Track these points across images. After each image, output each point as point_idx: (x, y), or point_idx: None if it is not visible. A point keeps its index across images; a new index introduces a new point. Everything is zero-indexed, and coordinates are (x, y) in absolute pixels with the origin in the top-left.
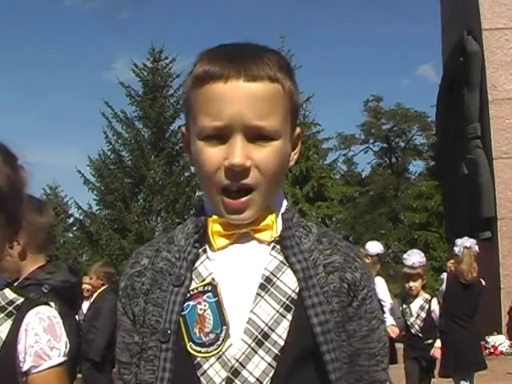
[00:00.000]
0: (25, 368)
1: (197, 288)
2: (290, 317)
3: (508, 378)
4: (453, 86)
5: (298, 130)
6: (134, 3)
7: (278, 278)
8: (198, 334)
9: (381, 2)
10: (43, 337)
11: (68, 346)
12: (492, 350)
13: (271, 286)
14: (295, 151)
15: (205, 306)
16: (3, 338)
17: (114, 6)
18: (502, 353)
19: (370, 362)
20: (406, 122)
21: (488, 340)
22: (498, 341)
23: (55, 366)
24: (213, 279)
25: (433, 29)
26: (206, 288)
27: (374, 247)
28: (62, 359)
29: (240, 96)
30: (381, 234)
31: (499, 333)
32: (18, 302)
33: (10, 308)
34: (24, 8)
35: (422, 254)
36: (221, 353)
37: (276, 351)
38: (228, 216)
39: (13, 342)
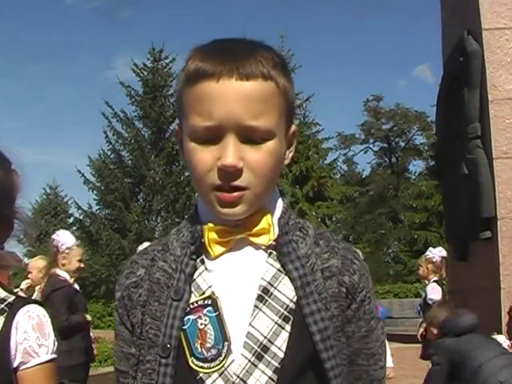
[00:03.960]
0: (15, 364)
1: (196, 302)
2: (288, 328)
3: None
4: (453, 85)
5: (293, 127)
6: (135, 3)
7: (275, 288)
8: (199, 349)
9: (380, 3)
10: (32, 334)
11: (56, 344)
12: None
13: (269, 297)
14: (290, 149)
15: (205, 320)
16: None
17: (115, 5)
18: None
19: (368, 361)
20: (406, 121)
21: None
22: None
23: (43, 363)
24: (213, 293)
25: (430, 29)
26: (206, 302)
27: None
28: (50, 356)
29: (232, 95)
30: (381, 233)
31: (499, 333)
32: (10, 300)
33: (2, 306)
34: (24, 7)
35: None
36: (223, 369)
37: (276, 364)
38: (221, 210)
39: (6, 339)
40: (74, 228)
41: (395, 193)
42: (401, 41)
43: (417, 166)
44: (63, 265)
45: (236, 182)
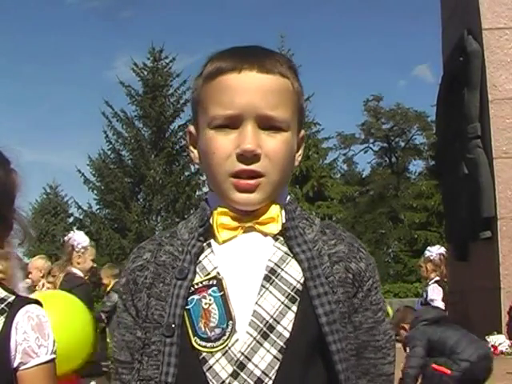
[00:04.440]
0: (14, 365)
1: (201, 282)
2: (295, 308)
3: (508, 378)
4: (453, 85)
5: (302, 132)
6: (135, 2)
7: (282, 269)
8: (203, 329)
9: (380, 4)
10: (31, 335)
11: (55, 344)
12: (492, 350)
13: (276, 278)
14: (299, 153)
15: (210, 300)
16: None
17: (115, 5)
18: (502, 353)
19: (376, 354)
20: (406, 121)
21: (488, 340)
22: (497, 341)
23: (43, 363)
24: (218, 273)
25: (429, 29)
26: (210, 282)
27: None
28: (49, 357)
29: (253, 86)
30: (381, 233)
31: (499, 333)
32: (10, 300)
33: (2, 305)
34: (25, 6)
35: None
36: (227, 348)
37: (281, 343)
38: (238, 195)
39: (6, 339)
40: (74, 228)
41: (395, 193)
42: (400, 41)
43: (417, 165)
44: (78, 263)
45: (254, 167)
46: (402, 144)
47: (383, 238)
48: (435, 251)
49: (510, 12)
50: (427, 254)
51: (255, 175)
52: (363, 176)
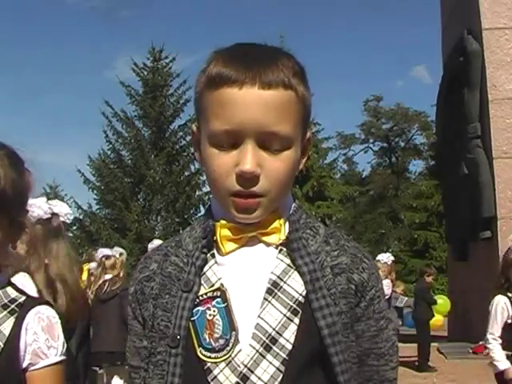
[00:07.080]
0: (24, 365)
1: (206, 293)
2: (297, 320)
3: None
4: (453, 85)
5: (308, 134)
6: (135, 2)
7: (284, 282)
8: (207, 340)
9: (380, 4)
10: (41, 336)
11: (65, 345)
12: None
13: (278, 291)
14: (305, 155)
15: (214, 311)
16: (6, 334)
17: (115, 4)
18: None
19: (379, 361)
20: (406, 121)
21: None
22: None
23: (52, 364)
24: (221, 285)
25: (429, 30)
26: (215, 293)
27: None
28: (58, 358)
29: (254, 103)
30: (381, 233)
31: None
32: (20, 300)
33: (13, 306)
34: (25, 6)
35: None
36: (230, 358)
37: (284, 355)
38: (238, 215)
39: (15, 339)
40: (74, 228)
41: (395, 193)
42: (399, 41)
43: (417, 165)
44: None
45: (253, 189)
46: (402, 144)
47: (383, 238)
48: (389, 258)
49: (510, 12)
50: (384, 259)
51: (255, 195)
52: (363, 176)
